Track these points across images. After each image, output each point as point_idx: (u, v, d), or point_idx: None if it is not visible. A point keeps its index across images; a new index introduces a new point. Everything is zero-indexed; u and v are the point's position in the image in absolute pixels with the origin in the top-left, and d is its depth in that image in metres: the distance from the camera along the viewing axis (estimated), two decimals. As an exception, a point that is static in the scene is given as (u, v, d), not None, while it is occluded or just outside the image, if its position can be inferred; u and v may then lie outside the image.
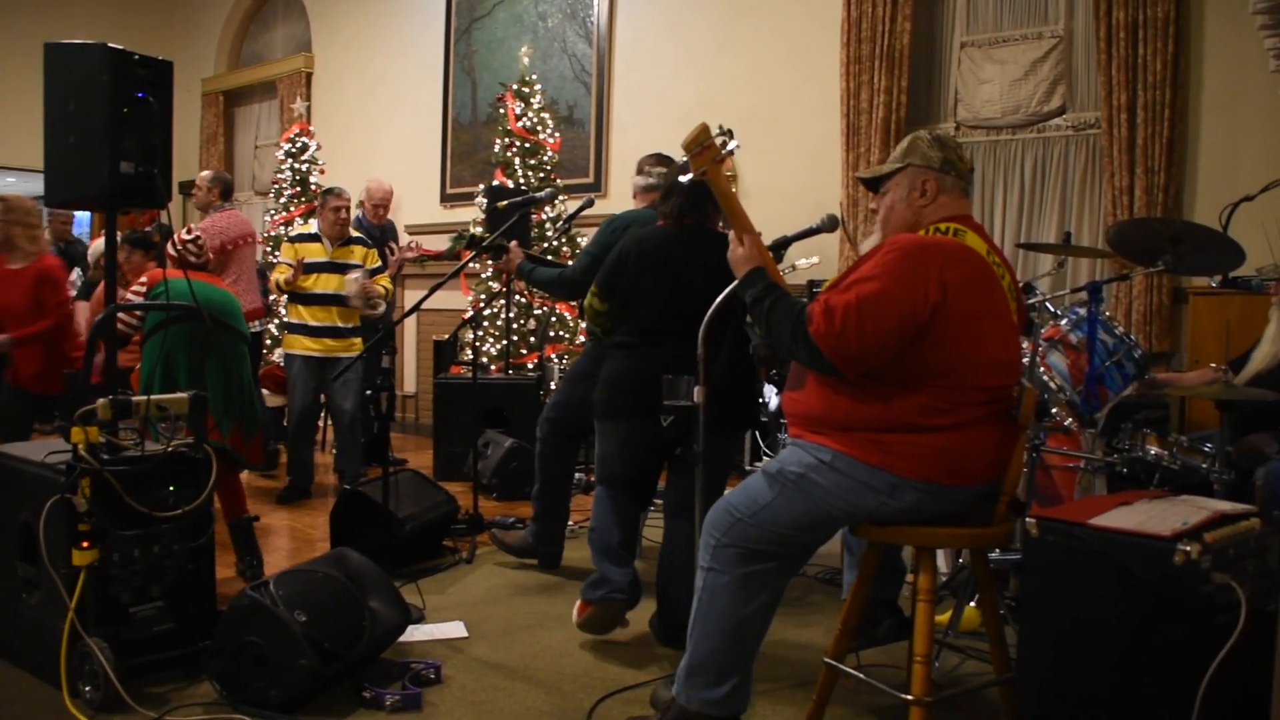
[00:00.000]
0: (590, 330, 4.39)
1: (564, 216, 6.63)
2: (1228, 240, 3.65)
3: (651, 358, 3.46)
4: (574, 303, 6.32)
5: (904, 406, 2.42)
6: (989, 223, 6.28)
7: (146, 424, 3.37)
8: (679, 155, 2.85)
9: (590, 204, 5.12)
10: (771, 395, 5.47)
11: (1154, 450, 3.71)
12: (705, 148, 2.67)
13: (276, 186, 8.98)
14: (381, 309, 6.22)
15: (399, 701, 3.06)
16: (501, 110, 7.64)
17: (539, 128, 7.45)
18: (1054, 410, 3.85)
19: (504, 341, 6.91)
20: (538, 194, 5.64)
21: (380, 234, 7.35)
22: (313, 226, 6.16)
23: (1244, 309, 4.75)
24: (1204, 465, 3.58)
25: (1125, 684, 2.20)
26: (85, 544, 2.98)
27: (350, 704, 3.08)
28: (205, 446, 3.34)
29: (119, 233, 3.61)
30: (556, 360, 7.08)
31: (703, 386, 2.92)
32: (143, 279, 4.48)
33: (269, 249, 8.67)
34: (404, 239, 8.01)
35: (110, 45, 3.12)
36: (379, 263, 6.25)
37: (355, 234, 6.26)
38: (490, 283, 7.24)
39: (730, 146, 2.71)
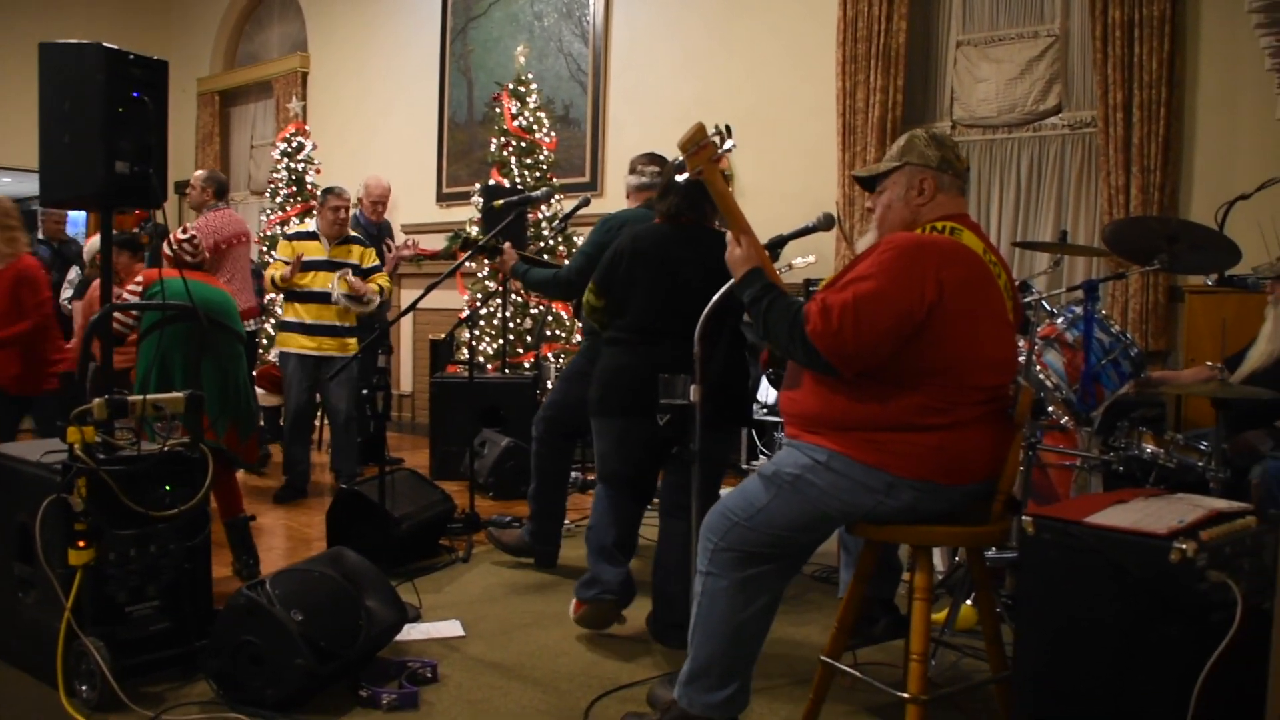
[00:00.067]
0: (586, 329, 4.39)
1: (560, 216, 6.65)
2: (1223, 239, 3.65)
3: (646, 355, 3.47)
4: (569, 302, 6.32)
5: (901, 406, 2.42)
6: (985, 221, 6.28)
7: (142, 424, 3.36)
8: (675, 155, 2.85)
9: (586, 203, 5.12)
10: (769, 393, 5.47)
11: (1150, 448, 3.72)
12: (701, 147, 2.66)
13: (272, 186, 8.98)
14: (374, 304, 6.20)
15: (395, 700, 3.05)
16: (497, 110, 7.64)
17: (535, 127, 7.45)
18: (1050, 409, 3.85)
19: (500, 341, 6.91)
20: (533, 193, 5.64)
21: (377, 232, 7.35)
22: (310, 225, 6.16)
23: (1240, 307, 4.76)
24: (1200, 463, 3.58)
25: (1121, 682, 2.20)
26: (81, 544, 2.98)
27: (347, 703, 3.08)
28: (201, 446, 3.33)
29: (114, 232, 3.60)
30: (553, 359, 7.08)
31: (699, 385, 2.92)
32: (138, 278, 4.48)
33: (265, 249, 8.66)
34: (400, 238, 8.00)
35: (105, 45, 3.12)
36: (376, 261, 6.25)
37: (353, 233, 6.26)
38: (486, 282, 7.24)
39: (726, 146, 2.71)
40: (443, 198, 9.12)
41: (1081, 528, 2.29)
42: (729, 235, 2.67)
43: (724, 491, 3.22)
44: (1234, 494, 3.30)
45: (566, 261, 4.79)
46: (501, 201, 5.08)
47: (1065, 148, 6.10)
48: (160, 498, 3.19)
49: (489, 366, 7.03)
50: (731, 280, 2.69)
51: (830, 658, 2.76)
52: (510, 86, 7.54)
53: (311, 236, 6.05)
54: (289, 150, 8.88)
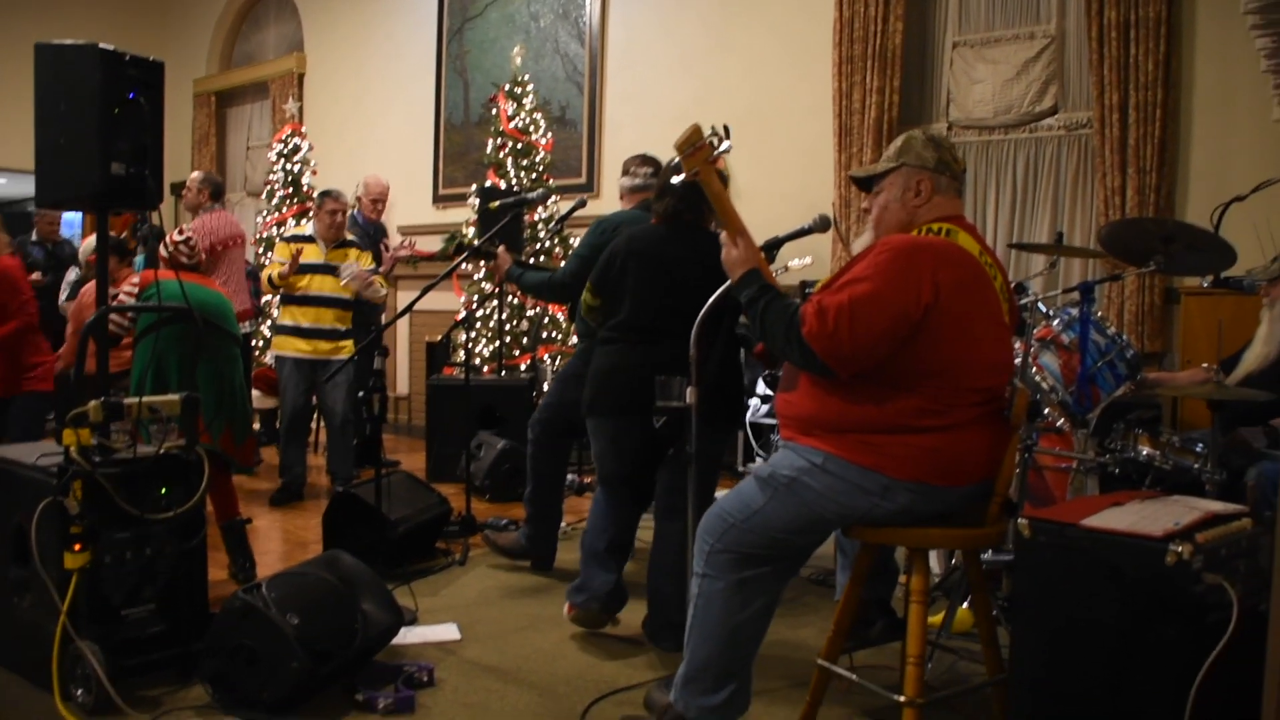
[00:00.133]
0: (581, 332, 4.38)
1: (556, 217, 6.65)
2: (1219, 240, 3.66)
3: (641, 354, 3.47)
4: (565, 305, 6.32)
5: (897, 408, 2.42)
6: (981, 223, 6.28)
7: (138, 426, 3.36)
8: (671, 156, 2.84)
9: (583, 204, 5.11)
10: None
11: (1146, 450, 3.71)
12: (697, 148, 2.66)
13: (268, 187, 8.97)
14: (384, 294, 6.22)
15: (391, 704, 3.05)
16: (494, 111, 7.64)
17: (531, 128, 7.44)
18: (1046, 411, 3.85)
19: (497, 343, 6.91)
20: (529, 195, 5.64)
21: (375, 231, 7.35)
22: (307, 228, 6.15)
23: (1236, 309, 4.76)
24: (1196, 465, 3.58)
25: (1117, 685, 2.21)
26: (77, 546, 2.97)
27: (343, 706, 3.07)
28: (197, 449, 3.33)
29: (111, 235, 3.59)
30: (549, 361, 7.08)
31: (695, 387, 2.92)
32: (134, 280, 4.47)
33: (261, 250, 8.65)
34: (395, 239, 7.99)
35: (101, 46, 3.12)
36: (373, 265, 6.25)
37: (350, 236, 6.26)
38: (483, 284, 7.24)
39: (722, 148, 2.71)
40: (439, 199, 9.11)
41: (1078, 530, 2.29)
42: (724, 236, 2.66)
43: (720, 493, 3.22)
44: (1230, 496, 3.30)
45: (563, 264, 4.79)
46: (498, 203, 5.08)
47: (1061, 149, 6.10)
48: (156, 500, 3.18)
49: (485, 368, 7.03)
50: (729, 281, 2.70)
51: (827, 661, 2.76)
52: (507, 87, 7.54)
53: (308, 240, 6.04)
54: (285, 151, 8.87)
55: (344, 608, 3.16)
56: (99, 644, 2.98)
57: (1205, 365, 4.10)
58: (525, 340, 7.15)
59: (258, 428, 7.36)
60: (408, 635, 3.63)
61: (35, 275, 7.97)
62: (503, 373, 6.83)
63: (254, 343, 8.09)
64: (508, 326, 7.05)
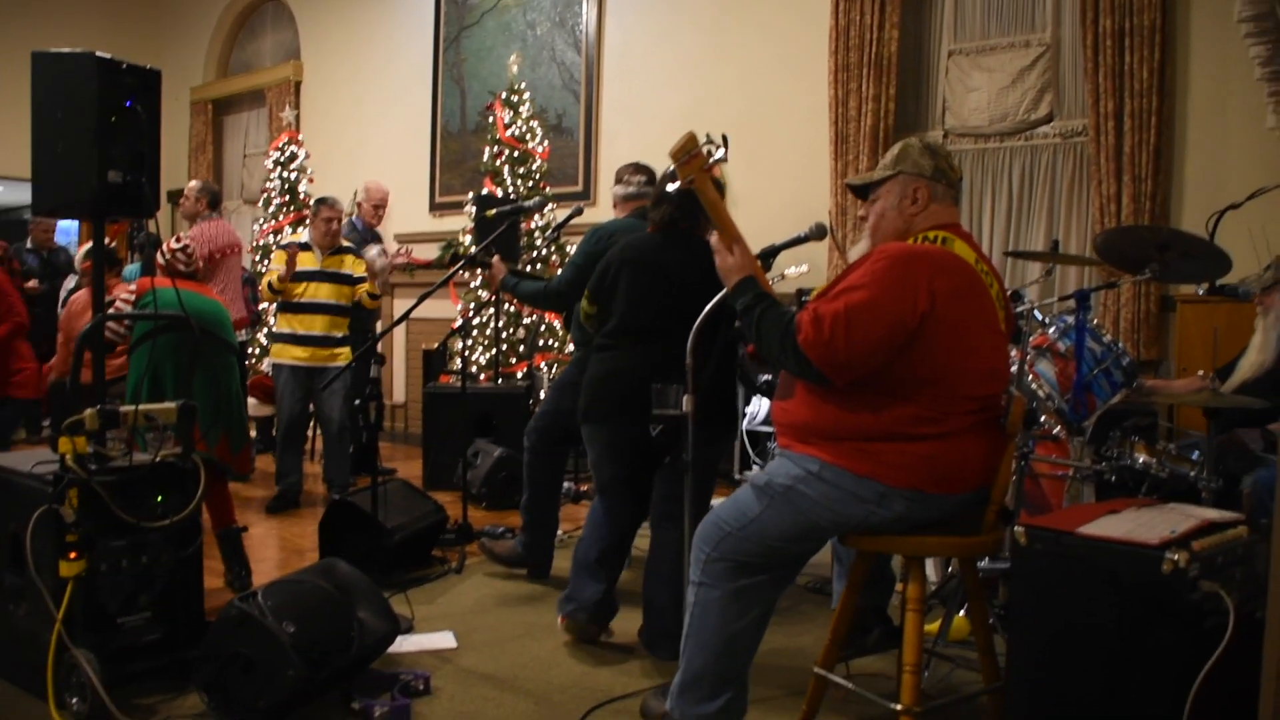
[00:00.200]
0: (577, 340, 4.38)
1: (553, 225, 6.65)
2: (1214, 248, 3.66)
3: (636, 358, 3.47)
4: (561, 313, 6.32)
5: (893, 415, 2.42)
6: (977, 231, 6.29)
7: (134, 434, 3.35)
8: (667, 164, 2.84)
9: (579, 212, 5.11)
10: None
11: (1142, 458, 3.72)
12: (693, 156, 2.66)
13: (265, 195, 8.97)
14: (386, 271, 6.32)
15: (388, 712, 3.04)
16: (490, 119, 7.64)
17: (528, 136, 7.45)
18: (1042, 418, 3.85)
19: (493, 350, 6.90)
20: (526, 203, 5.64)
21: (370, 238, 7.34)
22: (303, 236, 6.15)
23: (1231, 316, 4.77)
24: (1192, 473, 3.59)
25: (1114, 693, 2.20)
26: (73, 554, 2.97)
27: (339, 715, 3.07)
28: (193, 457, 3.32)
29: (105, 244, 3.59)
30: (546, 369, 7.08)
31: (692, 395, 2.92)
32: (131, 287, 4.46)
33: (258, 258, 8.65)
34: (391, 247, 7.98)
35: (98, 54, 3.12)
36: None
37: (346, 243, 6.26)
38: (479, 292, 7.24)
39: (717, 155, 2.71)
40: (436, 207, 9.12)
41: (1074, 538, 2.29)
42: (716, 242, 2.66)
43: (716, 502, 3.22)
44: (1226, 503, 3.30)
45: (559, 272, 4.79)
46: (494, 211, 5.08)
47: (1057, 157, 6.11)
48: (152, 508, 3.17)
49: (482, 376, 7.02)
50: (724, 289, 2.70)
51: (823, 669, 2.76)
52: (503, 95, 7.55)
53: (304, 247, 6.04)
54: (282, 159, 8.88)
55: (340, 616, 3.15)
56: (94, 652, 2.97)
57: (1201, 373, 4.11)
58: (522, 348, 7.15)
59: (254, 435, 7.34)
60: (404, 643, 3.63)
61: (32, 283, 7.98)
62: (499, 381, 6.82)
63: (250, 350, 8.08)
64: (504, 334, 7.05)
